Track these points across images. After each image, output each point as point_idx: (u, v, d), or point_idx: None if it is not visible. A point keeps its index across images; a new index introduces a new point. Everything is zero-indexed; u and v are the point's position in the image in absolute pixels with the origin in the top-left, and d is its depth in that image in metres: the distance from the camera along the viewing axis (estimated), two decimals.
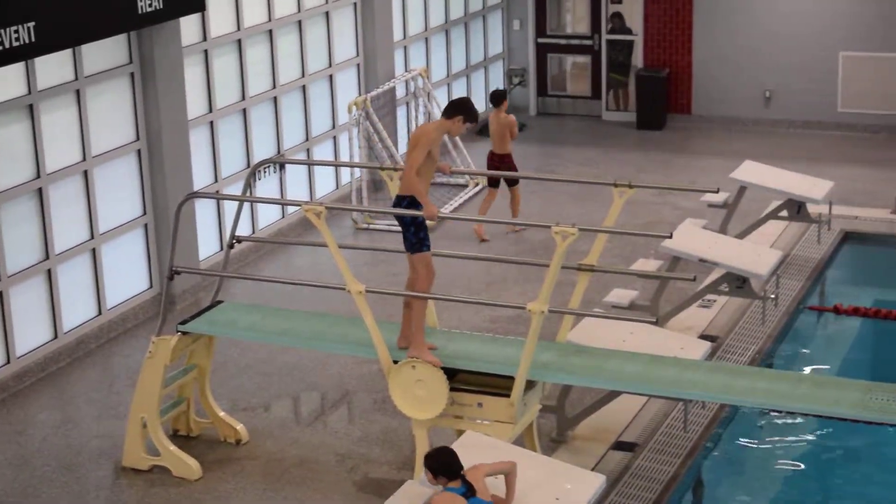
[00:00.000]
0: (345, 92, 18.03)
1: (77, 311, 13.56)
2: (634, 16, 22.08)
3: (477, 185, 18.55)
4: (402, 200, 10.22)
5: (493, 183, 16.97)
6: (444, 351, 10.52)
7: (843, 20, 20.69)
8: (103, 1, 12.69)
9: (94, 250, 13.70)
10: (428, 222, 10.20)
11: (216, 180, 15.54)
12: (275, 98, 16.57)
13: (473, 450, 9.27)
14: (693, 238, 13.92)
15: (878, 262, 16.64)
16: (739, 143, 20.53)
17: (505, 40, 22.93)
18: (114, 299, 14.00)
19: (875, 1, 20.52)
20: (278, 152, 16.63)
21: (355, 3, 18.16)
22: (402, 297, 10.62)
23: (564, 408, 11.34)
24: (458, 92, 21.56)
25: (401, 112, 19.02)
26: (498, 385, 10.22)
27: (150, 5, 13.19)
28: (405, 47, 19.75)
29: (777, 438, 11.94)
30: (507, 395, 10.09)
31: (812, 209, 15.86)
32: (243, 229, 15.25)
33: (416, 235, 10.20)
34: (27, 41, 11.67)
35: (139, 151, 14.25)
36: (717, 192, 11.52)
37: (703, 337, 13.08)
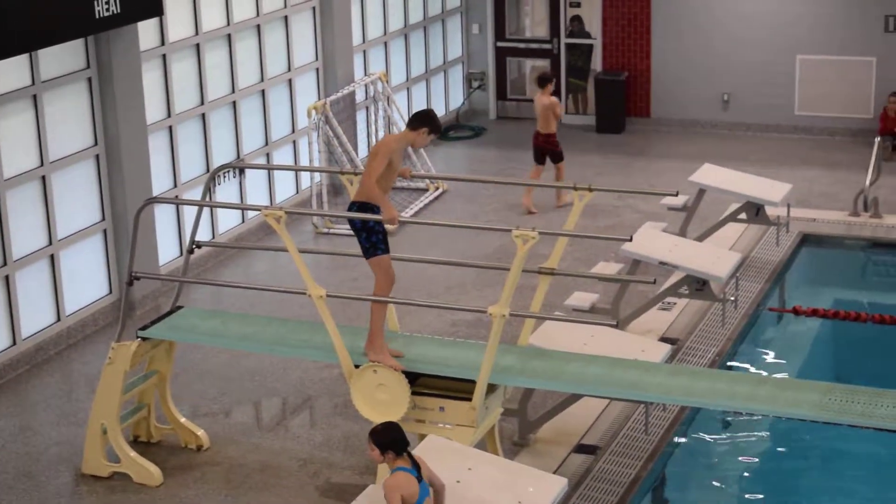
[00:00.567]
0: (304, 96, 18.00)
1: (35, 317, 13.47)
2: (593, 19, 22.14)
3: (437, 188, 18.55)
4: (353, 206, 10.23)
5: (539, 160, 17.86)
6: (406, 355, 10.51)
7: (801, 23, 20.82)
8: (60, 5, 12.61)
9: (52, 256, 13.62)
10: (388, 227, 10.19)
11: (175, 185, 15.48)
12: (234, 103, 16.52)
13: (435, 453, 9.27)
14: (653, 241, 13.96)
15: (836, 263, 16.75)
16: (698, 146, 20.63)
17: (464, 44, 22.96)
18: (73, 305, 13.92)
19: (832, 4, 20.66)
20: (238, 157, 16.58)
21: (314, 8, 18.14)
22: (364, 301, 10.60)
23: (526, 411, 11.35)
24: (418, 96, 21.58)
25: (360, 116, 19.00)
26: (459, 389, 10.22)
27: (108, 10, 13.12)
28: (364, 51, 19.74)
29: (738, 440, 11.99)
30: (469, 399, 10.09)
31: (770, 212, 15.95)
32: (203, 234, 15.20)
33: (368, 240, 10.19)
34: None
35: (97, 157, 14.18)
36: (676, 195, 11.54)
37: (664, 339, 13.12)
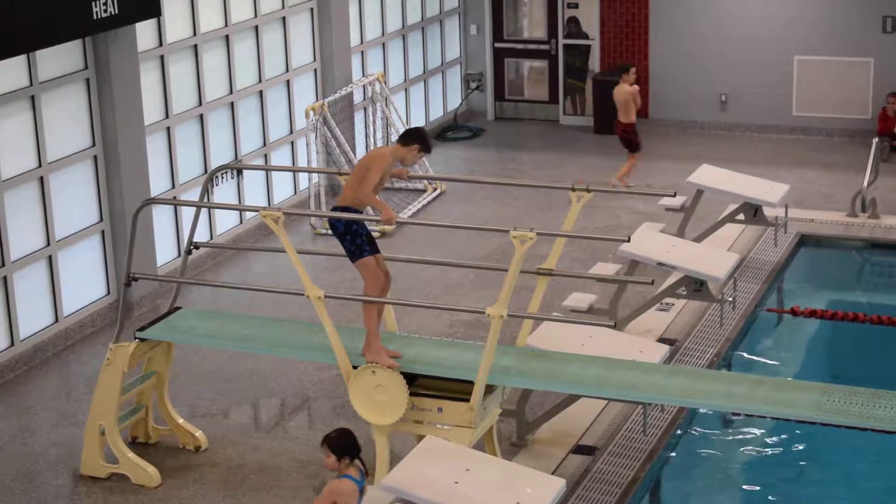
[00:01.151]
0: (302, 97, 18.00)
1: (34, 318, 13.47)
2: (591, 20, 22.15)
3: (435, 189, 18.55)
4: (336, 210, 10.29)
5: (633, 149, 18.52)
6: (404, 356, 10.52)
7: (799, 24, 20.83)
8: (58, 6, 12.61)
9: (50, 257, 13.62)
10: (386, 227, 10.22)
11: (173, 186, 15.48)
12: (232, 104, 16.53)
13: (434, 454, 9.28)
14: (651, 242, 13.97)
15: (834, 264, 16.76)
16: (696, 147, 20.64)
17: (462, 45, 22.96)
18: (71, 306, 13.92)
19: (830, 5, 20.67)
20: (236, 158, 16.58)
21: (312, 9, 18.14)
22: (363, 302, 10.60)
23: (524, 412, 11.35)
24: (416, 97, 21.58)
25: (358, 117, 19.00)
26: (458, 390, 10.22)
27: (106, 11, 13.12)
28: (362, 52, 19.74)
29: (736, 440, 11.99)
30: (467, 400, 10.09)
31: (768, 212, 15.96)
32: (201, 235, 15.21)
33: (353, 243, 10.26)
34: None
35: (95, 157, 14.18)
36: (674, 195, 11.57)
37: (662, 340, 13.12)
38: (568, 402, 11.18)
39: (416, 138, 10.39)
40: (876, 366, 13.66)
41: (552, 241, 10.95)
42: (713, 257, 13.82)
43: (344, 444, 8.59)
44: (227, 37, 16.33)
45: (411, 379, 10.28)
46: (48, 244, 13.59)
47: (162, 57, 15.18)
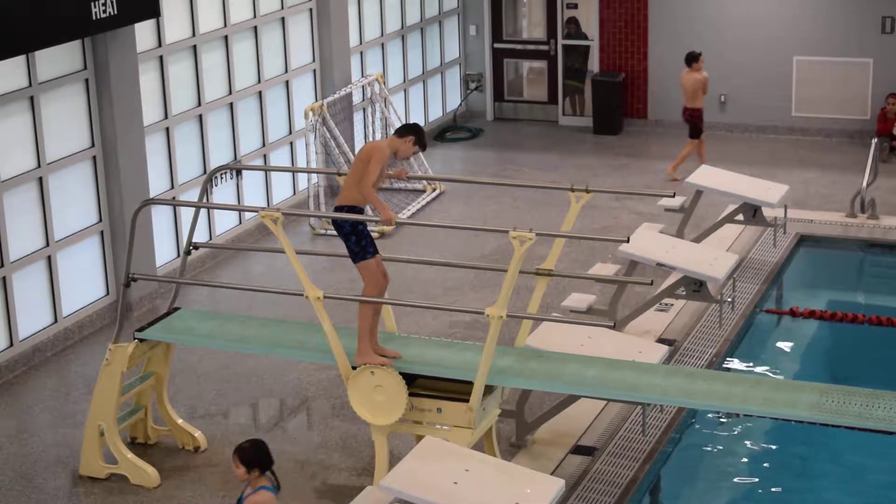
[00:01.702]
0: (301, 98, 18.00)
1: (33, 318, 13.47)
2: (590, 21, 22.15)
3: (434, 190, 18.56)
4: (339, 210, 10.26)
5: (694, 134, 19.01)
6: (403, 356, 10.52)
7: (798, 25, 20.83)
8: (57, 7, 12.61)
9: (49, 258, 13.61)
10: (385, 227, 10.22)
11: (172, 187, 15.48)
12: (231, 104, 16.52)
13: (433, 455, 9.28)
14: (650, 242, 13.97)
15: (833, 264, 16.76)
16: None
17: (461, 46, 22.96)
18: (70, 307, 13.92)
19: (829, 6, 20.67)
20: (235, 158, 16.58)
21: (311, 9, 18.14)
22: (362, 302, 10.60)
23: (523, 412, 11.35)
24: (416, 97, 21.58)
25: (357, 118, 18.99)
26: (457, 390, 10.22)
27: (105, 11, 13.12)
28: (361, 53, 19.74)
29: (735, 441, 12.00)
30: (466, 401, 10.09)
31: (767, 213, 15.95)
32: (200, 236, 15.21)
33: (357, 244, 10.25)
34: None
35: (94, 158, 14.18)
36: (673, 196, 11.58)
37: (661, 341, 13.13)
38: (567, 402, 11.18)
39: (412, 131, 10.39)
40: (875, 366, 13.66)
41: (551, 242, 10.95)
42: (712, 258, 13.82)
43: (253, 457, 8.45)
44: (226, 37, 16.33)
45: (410, 379, 10.28)
46: (47, 245, 13.59)
47: (161, 57, 15.18)
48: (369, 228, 10.56)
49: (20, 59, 12.97)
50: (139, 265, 13.09)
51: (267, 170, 17.12)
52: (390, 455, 10.46)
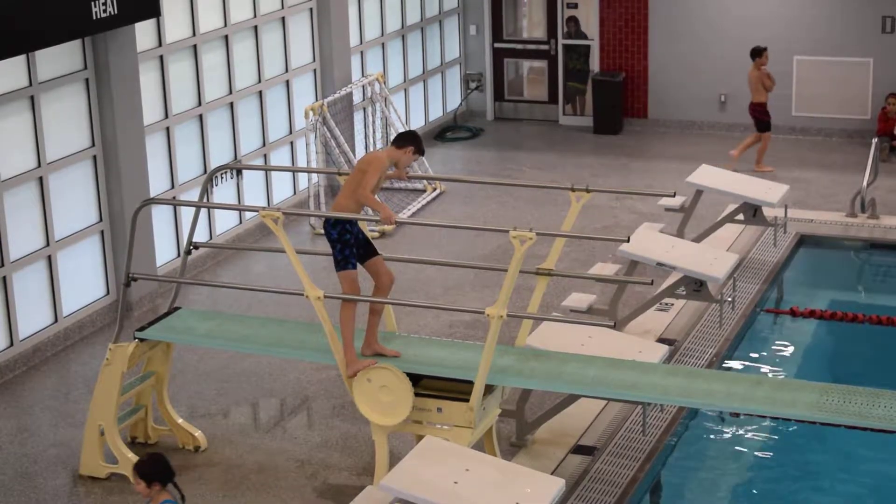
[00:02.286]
0: (301, 97, 18.00)
1: (33, 318, 13.47)
2: (590, 20, 22.15)
3: (435, 189, 18.56)
4: (330, 219, 10.31)
5: (761, 128, 19.37)
6: (404, 356, 10.52)
7: (798, 25, 20.83)
8: (57, 6, 12.61)
9: (49, 257, 13.62)
10: (386, 227, 10.24)
11: (173, 186, 15.48)
12: (231, 104, 16.52)
13: (433, 454, 9.28)
14: (650, 242, 13.97)
15: (833, 264, 16.76)
16: (695, 147, 20.64)
17: (461, 45, 22.96)
18: (70, 306, 13.92)
19: (829, 6, 20.67)
20: (235, 158, 16.58)
21: (311, 9, 18.14)
22: (362, 302, 10.61)
23: (524, 412, 11.35)
24: (416, 97, 21.58)
25: (358, 117, 19.00)
26: (457, 390, 10.22)
27: (105, 11, 13.12)
28: (362, 52, 19.74)
29: (735, 440, 12.00)
30: (467, 400, 10.09)
31: (768, 212, 15.95)
32: (200, 235, 15.21)
33: (341, 253, 10.35)
34: None
35: (95, 158, 14.18)
36: (673, 195, 11.56)
37: (661, 340, 13.13)
38: (567, 402, 11.17)
39: (410, 140, 10.45)
40: (875, 366, 13.66)
41: (552, 241, 10.95)
42: (712, 257, 13.82)
43: (152, 471, 8.33)
44: (226, 37, 16.33)
45: (415, 380, 10.27)
46: (47, 244, 13.59)
47: (161, 57, 15.18)
48: (371, 228, 10.58)
49: (20, 59, 12.97)
50: (139, 265, 13.09)
51: (267, 169, 17.13)
52: (390, 455, 10.46)
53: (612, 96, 21.72)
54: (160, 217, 15.17)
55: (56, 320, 13.74)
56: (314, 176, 17.30)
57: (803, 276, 16.11)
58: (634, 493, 10.70)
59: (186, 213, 15.17)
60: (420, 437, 10.05)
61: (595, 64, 22.15)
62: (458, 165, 20.42)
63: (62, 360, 13.50)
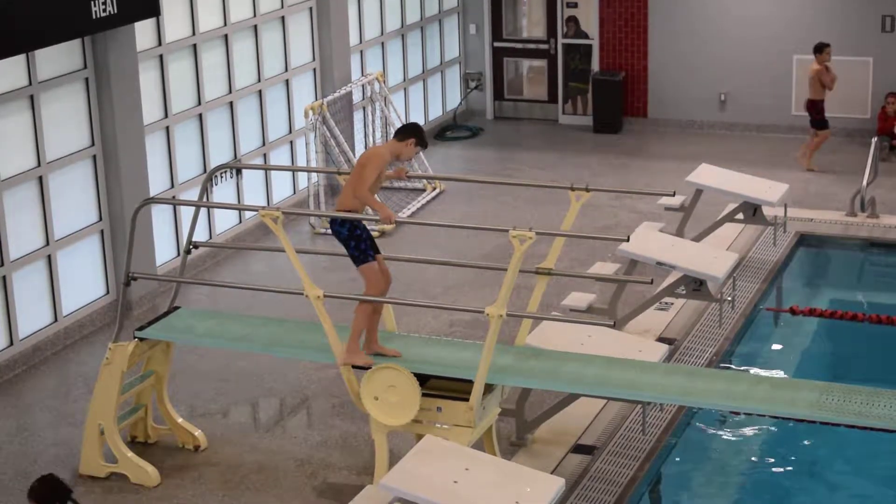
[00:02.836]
0: (301, 97, 18.00)
1: (33, 317, 13.47)
2: (590, 20, 22.14)
3: (434, 189, 18.56)
4: (335, 217, 10.29)
5: (816, 126, 19.33)
6: (404, 355, 10.52)
7: (798, 24, 20.82)
8: (56, 6, 12.61)
9: (49, 257, 13.62)
10: (385, 226, 10.23)
11: (173, 186, 15.48)
12: (231, 103, 16.52)
13: (433, 454, 9.28)
14: (650, 241, 13.97)
15: (833, 263, 16.77)
16: (695, 146, 20.64)
17: (461, 45, 22.95)
18: (70, 306, 13.92)
19: (829, 5, 20.66)
20: (235, 157, 16.58)
21: (311, 8, 18.14)
22: (360, 301, 10.60)
23: (523, 411, 11.35)
24: (415, 96, 21.58)
25: (357, 117, 18.99)
26: (457, 389, 10.22)
27: (105, 10, 13.12)
28: (361, 52, 19.74)
29: (735, 439, 11.99)
30: (466, 399, 10.09)
31: (767, 212, 15.95)
32: (200, 235, 15.20)
33: (357, 248, 10.29)
34: None
35: (94, 157, 14.18)
36: (673, 195, 11.56)
37: (661, 339, 13.12)
38: (567, 401, 11.17)
39: (412, 132, 10.40)
40: (875, 365, 13.67)
41: (551, 241, 10.95)
42: (712, 257, 13.82)
43: (45, 493, 8.11)
44: (226, 36, 16.33)
45: (423, 380, 10.26)
46: (47, 244, 13.59)
47: (161, 56, 15.18)
48: (370, 228, 10.57)
49: (20, 58, 12.97)
50: (139, 264, 13.09)
51: (267, 169, 17.13)
52: (390, 454, 10.46)
53: (611, 96, 21.72)
54: (160, 216, 15.17)
55: (56, 320, 13.74)
56: (314, 175, 17.29)
57: (803, 276, 16.12)
58: (634, 492, 10.70)
59: (186, 213, 15.16)
60: (420, 437, 10.05)
61: (595, 63, 22.15)
62: (458, 165, 20.41)
63: (62, 360, 13.51)
